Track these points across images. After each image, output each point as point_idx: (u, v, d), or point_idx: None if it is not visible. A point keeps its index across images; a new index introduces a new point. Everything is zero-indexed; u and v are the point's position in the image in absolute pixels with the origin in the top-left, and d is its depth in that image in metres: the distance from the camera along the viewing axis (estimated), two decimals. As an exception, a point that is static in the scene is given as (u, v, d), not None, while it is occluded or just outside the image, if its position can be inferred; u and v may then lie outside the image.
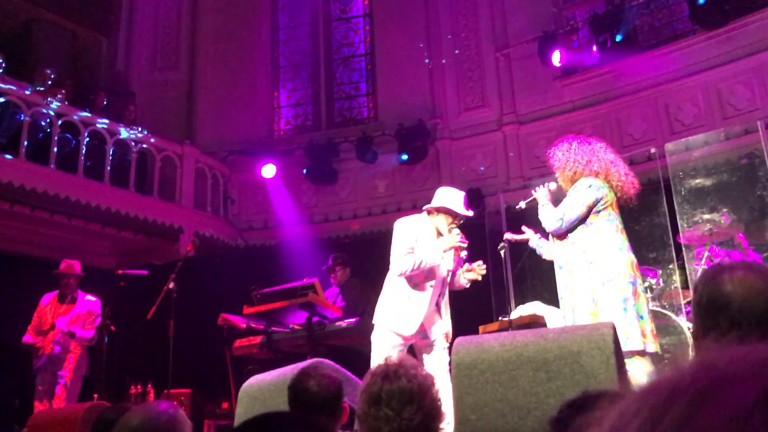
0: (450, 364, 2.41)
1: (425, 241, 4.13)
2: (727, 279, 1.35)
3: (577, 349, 2.16)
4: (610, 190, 3.80)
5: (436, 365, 4.00)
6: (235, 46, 11.59)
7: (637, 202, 3.91)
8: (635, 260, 3.72)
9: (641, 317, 3.56)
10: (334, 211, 10.55)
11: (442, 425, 1.90)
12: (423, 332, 4.14)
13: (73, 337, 5.81)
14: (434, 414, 1.83)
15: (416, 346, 4.21)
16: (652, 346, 3.55)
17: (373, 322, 4.23)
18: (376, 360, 3.93)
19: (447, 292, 4.30)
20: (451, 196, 4.24)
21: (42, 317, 6.07)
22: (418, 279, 4.10)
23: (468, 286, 4.39)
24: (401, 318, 4.07)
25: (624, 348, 3.36)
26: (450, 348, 2.61)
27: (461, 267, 4.31)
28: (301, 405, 2.21)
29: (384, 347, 4.05)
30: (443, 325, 4.22)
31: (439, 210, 4.21)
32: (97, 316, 6.05)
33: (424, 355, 4.16)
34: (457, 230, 4.08)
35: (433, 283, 4.10)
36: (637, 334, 3.48)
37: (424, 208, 4.34)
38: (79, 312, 5.85)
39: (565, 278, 3.80)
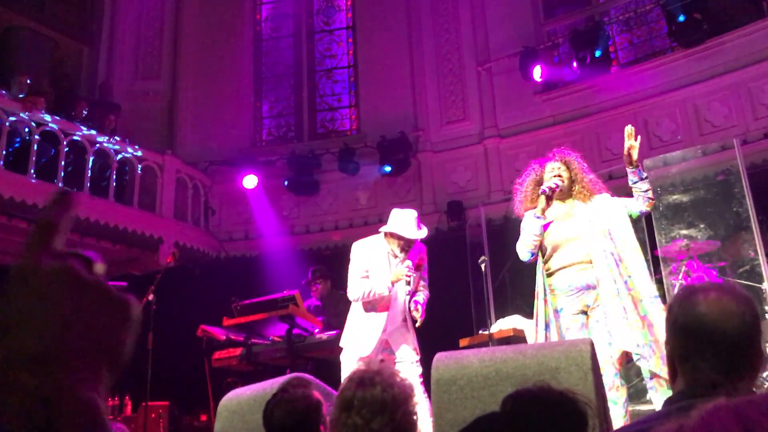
0: (430, 379, 2.42)
1: (379, 263, 4.33)
2: (701, 300, 1.36)
3: (555, 365, 2.18)
4: None
5: (408, 360, 4.24)
6: (218, 56, 11.58)
7: None
8: None
9: None
10: (315, 222, 10.54)
11: None
12: (389, 349, 4.32)
13: None
14: (406, 428, 1.73)
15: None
16: None
17: (340, 344, 4.43)
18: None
19: (407, 316, 4.43)
20: (400, 220, 4.41)
21: None
22: (374, 302, 4.30)
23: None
24: (359, 339, 4.29)
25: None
26: (428, 364, 2.62)
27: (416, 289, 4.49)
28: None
29: (350, 368, 4.14)
30: (411, 341, 4.37)
31: (388, 234, 4.42)
32: None
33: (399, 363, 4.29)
34: (409, 262, 4.25)
35: (387, 307, 4.28)
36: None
37: (379, 230, 4.51)
38: None
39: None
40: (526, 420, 1.16)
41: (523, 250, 3.87)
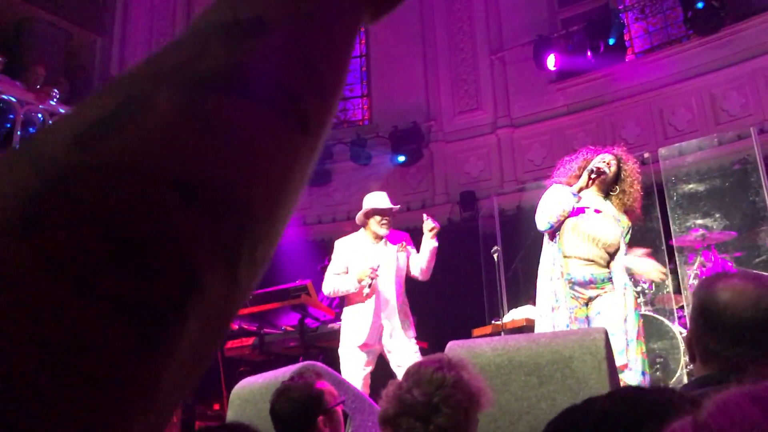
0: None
1: (361, 254, 4.42)
2: (722, 287, 1.37)
3: (568, 354, 2.16)
4: None
5: (407, 355, 4.23)
6: (230, 47, 11.57)
7: None
8: None
9: None
10: (327, 212, 10.54)
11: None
12: (380, 339, 4.35)
13: None
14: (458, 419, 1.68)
15: (385, 352, 4.39)
16: None
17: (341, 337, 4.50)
18: (345, 372, 4.18)
19: (398, 303, 4.43)
20: (372, 198, 4.56)
21: None
22: (358, 297, 4.37)
23: (432, 259, 4.50)
24: (351, 329, 4.35)
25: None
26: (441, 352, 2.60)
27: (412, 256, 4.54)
28: (279, 425, 2.20)
29: (346, 359, 4.32)
30: (407, 328, 4.39)
31: (368, 214, 4.46)
32: None
33: (394, 358, 4.34)
34: (373, 267, 4.28)
35: (374, 292, 4.32)
36: None
37: (356, 220, 4.60)
38: None
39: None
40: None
41: (544, 219, 3.83)
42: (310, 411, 2.16)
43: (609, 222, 3.79)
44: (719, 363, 1.32)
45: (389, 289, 4.43)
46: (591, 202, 3.85)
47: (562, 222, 3.78)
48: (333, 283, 4.47)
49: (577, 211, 3.79)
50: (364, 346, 4.30)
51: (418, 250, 4.58)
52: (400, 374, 4.24)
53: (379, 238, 4.50)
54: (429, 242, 4.44)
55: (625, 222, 3.85)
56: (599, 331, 2.22)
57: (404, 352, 4.29)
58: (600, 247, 3.74)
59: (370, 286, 4.28)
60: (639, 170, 3.93)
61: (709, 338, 1.35)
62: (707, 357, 1.35)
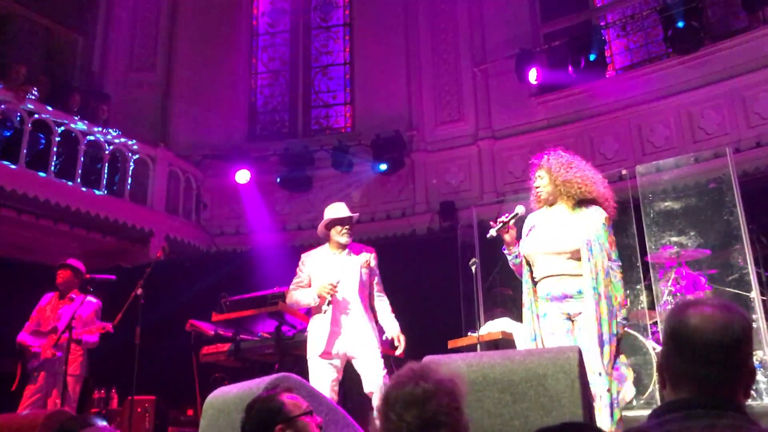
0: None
1: (324, 267, 4.50)
2: (692, 313, 1.40)
3: (542, 372, 2.18)
4: None
5: (371, 375, 4.31)
6: (213, 50, 11.53)
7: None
8: None
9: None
10: (307, 219, 10.49)
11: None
12: (343, 349, 4.38)
13: (80, 344, 5.61)
14: (441, 419, 1.68)
15: (351, 362, 4.43)
16: None
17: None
18: (313, 382, 4.21)
19: (365, 310, 4.50)
20: (331, 209, 4.63)
21: (41, 317, 5.83)
22: (317, 308, 4.45)
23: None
24: (313, 339, 4.41)
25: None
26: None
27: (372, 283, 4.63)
28: None
29: (312, 368, 4.37)
30: (368, 339, 4.41)
31: (328, 225, 4.56)
32: (98, 319, 5.85)
33: (360, 368, 4.38)
34: (332, 284, 4.31)
35: (328, 307, 4.37)
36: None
37: (318, 233, 4.68)
38: (81, 314, 5.62)
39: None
40: None
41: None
42: (268, 422, 2.20)
43: (555, 228, 3.72)
44: (689, 385, 1.35)
45: (352, 297, 4.45)
46: (538, 219, 3.85)
47: (522, 262, 3.81)
48: (293, 295, 4.55)
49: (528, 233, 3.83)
50: (325, 355, 4.33)
51: (379, 267, 4.65)
52: (367, 383, 4.31)
53: (342, 247, 4.55)
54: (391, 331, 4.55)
55: (593, 215, 3.69)
56: (573, 350, 2.24)
57: (368, 360, 4.34)
58: (562, 257, 3.64)
59: (329, 303, 4.33)
60: (570, 161, 3.77)
61: (679, 360, 1.38)
62: (677, 379, 1.38)
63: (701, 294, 5.61)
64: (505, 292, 6.92)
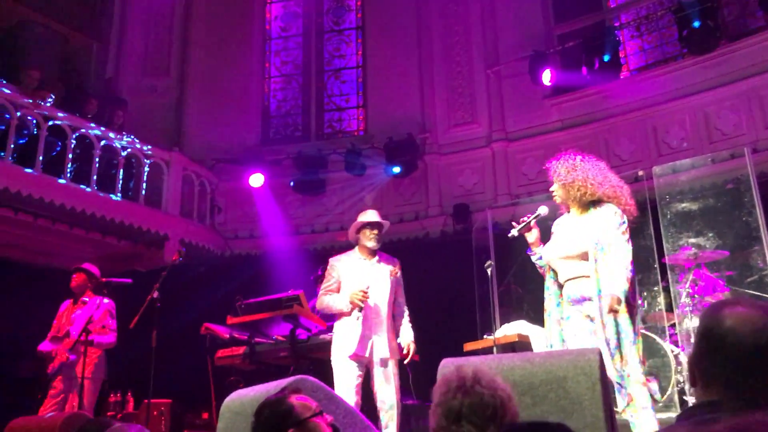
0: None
1: (354, 271, 4.59)
2: (727, 313, 1.37)
3: (563, 375, 2.15)
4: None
5: (387, 382, 4.41)
6: (227, 55, 11.58)
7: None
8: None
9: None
10: (320, 222, 10.52)
11: None
12: (370, 352, 4.46)
13: (92, 344, 5.63)
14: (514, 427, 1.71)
15: (369, 366, 4.49)
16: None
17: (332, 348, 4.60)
18: (338, 383, 4.34)
19: (387, 317, 4.60)
20: (363, 215, 4.75)
21: (59, 324, 5.89)
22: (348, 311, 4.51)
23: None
24: (343, 340, 4.48)
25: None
26: (434, 368, 2.59)
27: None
28: None
29: (339, 369, 4.44)
30: (392, 346, 4.53)
31: (358, 228, 4.68)
32: (113, 319, 5.88)
33: (377, 372, 4.45)
34: (363, 291, 4.40)
35: (360, 314, 4.44)
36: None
37: (349, 237, 4.79)
38: (93, 316, 5.65)
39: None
40: None
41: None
42: (279, 426, 2.19)
43: (567, 232, 3.79)
44: (721, 387, 1.33)
45: (381, 303, 4.55)
46: (555, 227, 3.96)
47: (546, 266, 3.86)
48: (324, 300, 4.60)
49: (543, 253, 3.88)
50: (354, 356, 4.39)
51: (405, 278, 4.75)
52: (382, 393, 4.33)
53: (371, 253, 4.64)
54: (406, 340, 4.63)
55: (604, 213, 3.70)
56: (593, 352, 2.21)
57: (387, 372, 4.44)
58: (574, 260, 3.67)
59: (360, 309, 4.39)
60: (574, 164, 3.80)
61: (712, 361, 1.36)
62: (708, 380, 1.36)
63: (720, 296, 5.56)
64: (517, 291, 6.90)
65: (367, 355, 4.41)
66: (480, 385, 1.70)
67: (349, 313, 4.46)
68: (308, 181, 10.32)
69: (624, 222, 3.68)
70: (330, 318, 5.25)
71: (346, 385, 4.32)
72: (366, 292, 4.38)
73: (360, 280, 4.49)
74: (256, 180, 10.21)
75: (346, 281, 4.58)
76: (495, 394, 1.69)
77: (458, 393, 1.70)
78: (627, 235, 3.65)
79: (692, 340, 5.37)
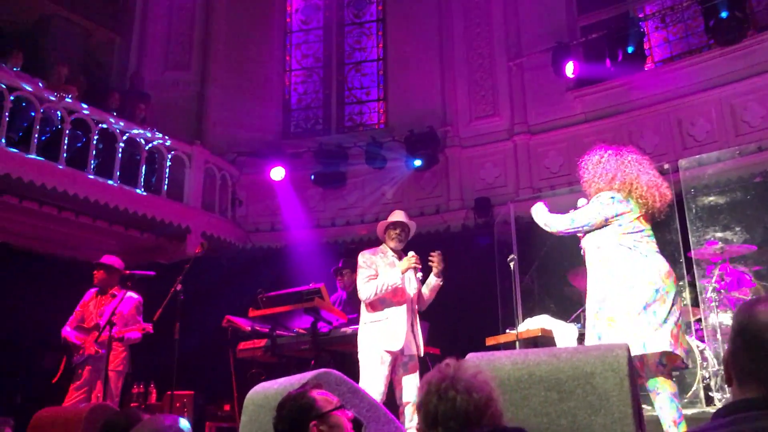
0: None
1: (384, 266, 4.58)
2: (763, 309, 1.34)
3: (590, 370, 2.12)
4: (635, 204, 3.69)
5: (413, 377, 4.43)
6: (248, 48, 11.60)
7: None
8: (667, 269, 3.64)
9: (664, 321, 3.52)
10: (341, 215, 10.53)
11: None
12: (408, 349, 4.48)
13: (121, 341, 5.68)
14: (496, 425, 1.72)
15: (397, 363, 4.48)
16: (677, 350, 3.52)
17: (359, 345, 4.56)
18: (369, 376, 4.32)
19: (417, 313, 4.67)
20: (391, 215, 4.82)
21: (85, 313, 5.92)
22: (391, 301, 4.48)
23: (432, 296, 4.73)
24: (388, 336, 4.41)
25: (644, 350, 3.38)
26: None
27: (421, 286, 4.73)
28: None
29: (373, 363, 4.38)
30: (418, 342, 4.56)
31: (385, 229, 4.76)
32: (140, 314, 5.92)
33: (403, 369, 4.46)
34: (413, 252, 4.49)
35: (403, 301, 4.50)
36: (657, 336, 3.45)
37: (378, 233, 4.84)
38: (122, 311, 5.69)
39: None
40: None
41: (577, 224, 3.86)
42: (301, 419, 2.21)
43: None
44: (757, 385, 1.29)
45: (413, 300, 4.61)
46: None
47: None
48: (373, 283, 4.49)
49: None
50: (393, 351, 4.38)
51: (424, 272, 4.73)
52: (407, 385, 4.33)
53: (396, 253, 4.67)
54: (434, 279, 4.64)
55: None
56: (622, 347, 2.17)
57: (411, 365, 4.49)
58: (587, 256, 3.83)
59: (417, 270, 4.50)
60: (586, 159, 3.91)
61: (747, 358, 1.33)
62: (745, 378, 1.33)
63: (746, 291, 5.47)
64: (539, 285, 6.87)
65: (404, 351, 4.42)
66: (455, 389, 1.70)
67: (393, 299, 4.46)
68: (329, 174, 10.32)
69: (613, 198, 3.70)
70: (354, 311, 5.26)
71: (378, 378, 4.30)
72: (416, 255, 4.45)
73: (396, 270, 4.51)
74: (277, 173, 10.23)
75: (383, 269, 4.58)
76: (470, 398, 1.69)
77: (433, 397, 1.72)
78: (603, 210, 3.68)
79: (718, 335, 5.30)
